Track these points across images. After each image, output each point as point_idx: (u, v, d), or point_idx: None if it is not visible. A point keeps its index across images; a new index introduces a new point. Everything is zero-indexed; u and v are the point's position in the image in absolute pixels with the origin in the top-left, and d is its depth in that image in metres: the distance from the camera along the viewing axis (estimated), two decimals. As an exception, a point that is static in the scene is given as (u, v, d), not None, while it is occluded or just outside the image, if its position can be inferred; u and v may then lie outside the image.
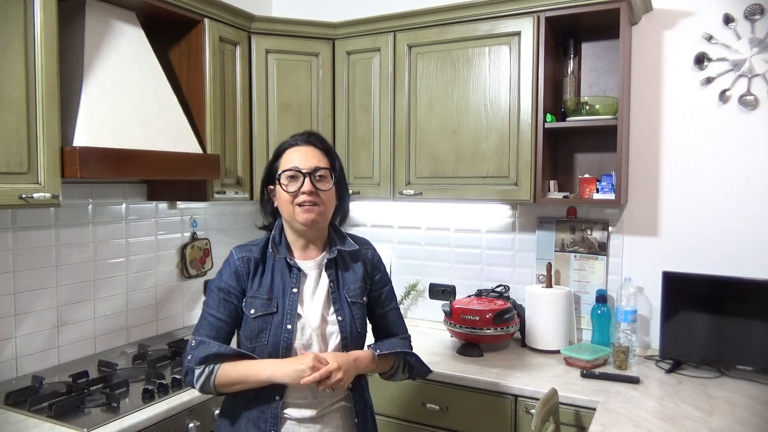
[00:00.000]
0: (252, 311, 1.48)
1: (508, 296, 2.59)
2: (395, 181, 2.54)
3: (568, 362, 2.25)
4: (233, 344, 1.51)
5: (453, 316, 2.42)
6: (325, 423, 1.50)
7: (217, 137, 2.35)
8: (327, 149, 1.57)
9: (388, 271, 2.89)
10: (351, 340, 1.51)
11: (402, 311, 2.80)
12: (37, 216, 2.08)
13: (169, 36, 2.35)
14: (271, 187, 1.56)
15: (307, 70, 2.62)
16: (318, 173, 1.49)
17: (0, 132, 1.59)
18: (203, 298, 2.75)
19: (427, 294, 2.74)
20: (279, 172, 1.50)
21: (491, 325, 2.34)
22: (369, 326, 1.65)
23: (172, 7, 2.15)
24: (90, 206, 2.27)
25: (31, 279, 2.07)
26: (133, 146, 1.93)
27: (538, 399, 1.83)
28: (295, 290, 1.50)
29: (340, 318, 1.51)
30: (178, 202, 2.61)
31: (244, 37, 2.49)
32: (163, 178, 2.11)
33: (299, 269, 1.53)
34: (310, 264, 1.55)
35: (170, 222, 2.61)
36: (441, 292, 2.64)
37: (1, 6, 1.59)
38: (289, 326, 1.46)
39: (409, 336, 1.69)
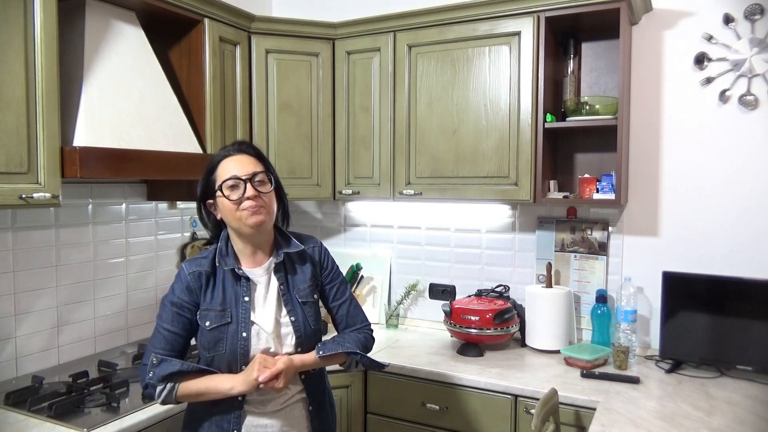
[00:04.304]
0: (207, 323, 1.52)
1: (508, 296, 2.59)
2: (395, 181, 2.54)
3: (568, 362, 2.25)
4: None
5: (453, 316, 2.42)
6: (285, 416, 1.57)
7: (217, 137, 2.35)
8: (259, 155, 1.61)
9: (389, 268, 2.92)
10: (306, 338, 1.58)
11: (402, 311, 2.86)
12: (37, 216, 2.08)
13: (169, 36, 2.35)
14: (210, 201, 1.58)
15: (307, 70, 2.62)
16: (257, 178, 1.54)
17: (0, 132, 1.60)
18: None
19: (427, 294, 2.74)
20: (219, 183, 1.53)
21: (491, 325, 2.34)
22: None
23: (172, 7, 2.15)
24: (90, 206, 2.27)
25: (31, 279, 2.07)
26: (133, 146, 1.94)
27: (538, 399, 1.83)
28: (246, 299, 1.55)
29: (293, 318, 1.57)
30: (178, 202, 2.61)
31: (244, 37, 2.49)
32: (163, 178, 2.11)
33: (248, 278, 1.57)
34: (259, 271, 1.59)
35: (170, 222, 2.61)
36: (441, 292, 2.64)
37: (1, 6, 1.59)
38: (244, 334, 1.52)
39: (368, 324, 1.72)
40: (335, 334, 1.73)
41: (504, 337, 2.40)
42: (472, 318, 2.36)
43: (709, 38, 2.26)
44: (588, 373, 2.12)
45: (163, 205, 2.57)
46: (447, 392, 2.18)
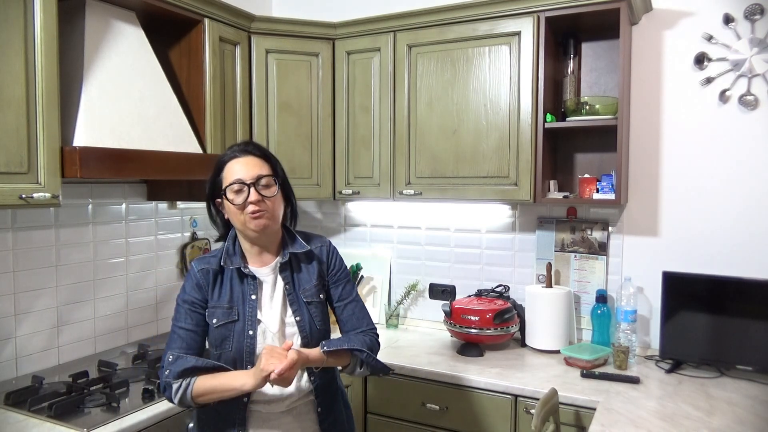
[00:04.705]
0: (214, 321, 1.53)
1: (508, 296, 2.59)
2: (395, 181, 2.54)
3: (568, 362, 2.25)
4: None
5: (453, 316, 2.42)
6: (292, 418, 1.56)
7: (217, 137, 2.35)
8: (266, 155, 1.60)
9: (389, 268, 2.92)
10: (312, 338, 1.57)
11: (402, 311, 2.85)
12: (37, 216, 2.08)
13: (169, 36, 2.35)
14: (219, 200, 1.59)
15: (307, 70, 2.62)
16: (261, 182, 1.52)
17: (0, 132, 1.60)
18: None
19: (427, 294, 2.74)
20: (224, 187, 1.53)
21: (491, 325, 2.34)
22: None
23: (172, 7, 2.15)
24: (90, 206, 2.27)
25: (31, 279, 2.07)
26: (133, 146, 1.94)
27: (538, 399, 1.83)
28: (253, 297, 1.55)
29: (298, 318, 1.56)
30: (178, 202, 2.61)
31: (244, 37, 2.49)
32: (163, 178, 2.11)
33: (254, 277, 1.57)
34: (265, 270, 1.59)
35: (170, 222, 2.61)
36: (441, 292, 2.64)
37: (1, 6, 1.59)
38: (250, 332, 1.52)
39: (374, 328, 1.67)
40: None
41: (504, 337, 2.40)
42: (472, 318, 2.36)
43: (709, 38, 2.26)
44: (588, 373, 2.12)
45: (163, 205, 2.57)
46: (447, 392, 2.18)
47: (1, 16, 1.59)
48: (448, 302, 2.48)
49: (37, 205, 1.69)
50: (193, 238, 2.71)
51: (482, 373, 2.16)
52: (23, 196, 1.64)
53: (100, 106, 1.89)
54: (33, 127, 1.67)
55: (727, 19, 2.22)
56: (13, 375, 2.01)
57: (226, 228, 1.64)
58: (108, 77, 1.95)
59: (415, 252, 2.89)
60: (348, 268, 1.74)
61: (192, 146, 2.19)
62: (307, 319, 1.57)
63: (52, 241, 2.13)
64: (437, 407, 2.19)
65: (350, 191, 2.64)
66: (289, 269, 1.61)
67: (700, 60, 2.28)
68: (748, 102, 2.20)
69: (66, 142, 1.78)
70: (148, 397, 1.88)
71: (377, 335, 1.68)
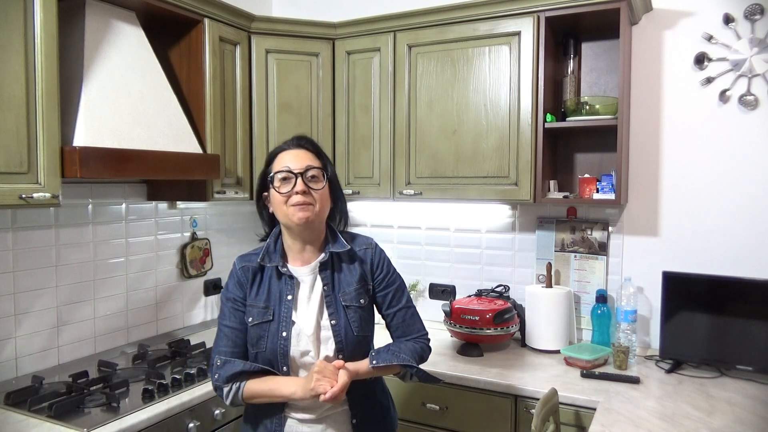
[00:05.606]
0: (250, 319, 1.52)
1: (508, 296, 2.59)
2: (395, 181, 2.54)
3: (568, 362, 2.25)
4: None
5: (453, 316, 2.41)
6: (328, 424, 1.53)
7: (217, 137, 2.36)
8: (318, 152, 1.58)
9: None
10: (347, 344, 1.51)
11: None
12: (37, 216, 2.08)
13: (169, 36, 2.35)
14: (266, 194, 1.57)
15: (307, 70, 2.62)
16: (310, 173, 1.51)
17: (0, 132, 1.60)
18: (203, 298, 2.77)
19: (427, 294, 2.74)
20: (271, 175, 1.52)
21: (491, 325, 2.34)
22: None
23: (172, 7, 2.15)
24: (90, 206, 2.27)
25: (31, 279, 2.07)
26: (133, 146, 1.94)
27: (538, 399, 1.83)
28: (289, 297, 1.52)
29: (333, 322, 1.51)
30: (178, 202, 2.61)
31: (244, 37, 2.49)
32: (163, 178, 2.11)
33: (291, 276, 1.54)
34: (305, 270, 1.55)
35: (170, 222, 2.61)
36: (441, 292, 2.64)
37: (1, 6, 1.59)
38: (284, 333, 1.49)
39: (425, 334, 1.63)
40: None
41: (504, 337, 2.40)
42: (472, 318, 2.36)
43: (709, 38, 2.26)
44: (588, 373, 2.12)
45: (163, 205, 2.57)
46: (447, 392, 2.18)
47: (1, 16, 1.59)
48: (448, 302, 2.48)
49: (37, 205, 1.69)
50: (193, 238, 2.71)
51: (482, 373, 2.15)
52: (23, 196, 1.63)
53: (100, 106, 1.89)
54: (33, 127, 1.67)
55: (727, 19, 2.22)
56: (13, 375, 2.01)
57: (270, 226, 1.62)
58: (108, 77, 1.95)
59: (415, 252, 2.89)
60: (398, 273, 1.66)
61: (192, 146, 2.19)
62: (343, 323, 1.51)
63: (52, 241, 2.13)
64: (437, 407, 2.19)
65: (350, 191, 2.64)
66: (329, 269, 1.55)
67: (700, 60, 2.28)
68: (748, 102, 2.20)
69: (66, 142, 1.78)
70: (148, 397, 1.88)
71: (428, 340, 1.64)
